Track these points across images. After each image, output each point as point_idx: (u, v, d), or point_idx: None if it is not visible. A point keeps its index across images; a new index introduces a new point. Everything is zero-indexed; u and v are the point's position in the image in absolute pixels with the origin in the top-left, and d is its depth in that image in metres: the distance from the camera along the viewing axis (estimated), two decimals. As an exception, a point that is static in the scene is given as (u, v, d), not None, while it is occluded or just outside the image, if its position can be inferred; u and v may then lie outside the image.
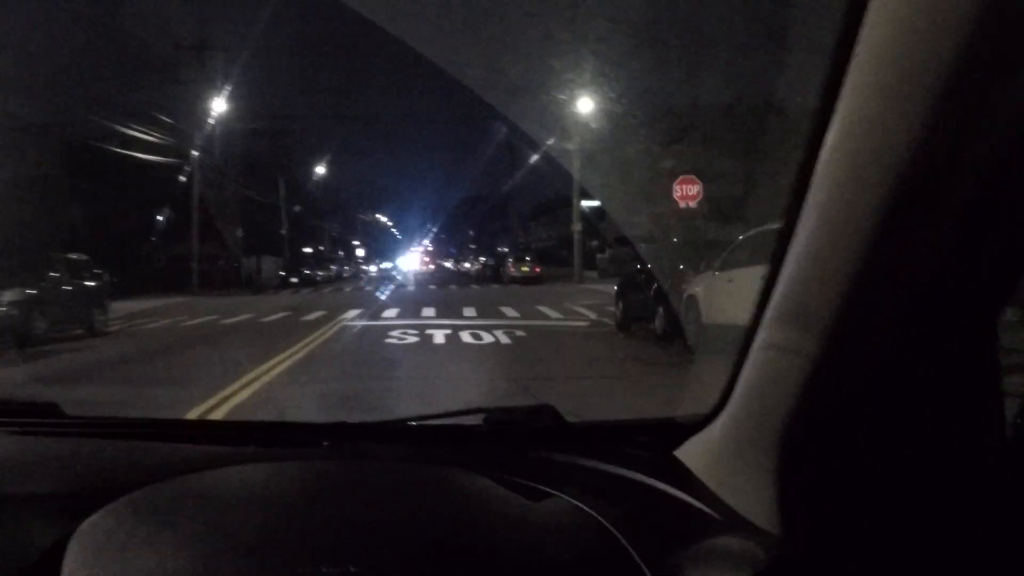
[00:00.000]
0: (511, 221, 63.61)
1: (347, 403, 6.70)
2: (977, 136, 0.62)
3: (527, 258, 35.18)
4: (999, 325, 0.76)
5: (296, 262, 42.32)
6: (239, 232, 35.79)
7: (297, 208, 49.86)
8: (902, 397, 0.77)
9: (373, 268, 69.86)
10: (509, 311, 17.09)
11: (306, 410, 6.45)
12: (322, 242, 63.26)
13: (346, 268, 56.69)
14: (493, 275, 38.30)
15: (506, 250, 43.43)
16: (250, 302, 24.02)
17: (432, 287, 33.13)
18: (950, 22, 0.59)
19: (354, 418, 1.38)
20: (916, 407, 0.77)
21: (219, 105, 32.87)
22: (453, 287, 32.48)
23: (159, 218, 32.26)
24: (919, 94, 0.62)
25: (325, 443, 1.32)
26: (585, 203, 31.82)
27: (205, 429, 1.80)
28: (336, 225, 72.77)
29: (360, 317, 16.44)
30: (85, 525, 0.99)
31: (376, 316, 16.53)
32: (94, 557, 0.94)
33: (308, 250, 58.17)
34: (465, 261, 61.91)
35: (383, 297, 25.20)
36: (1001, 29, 0.58)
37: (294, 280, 39.41)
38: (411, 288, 33.36)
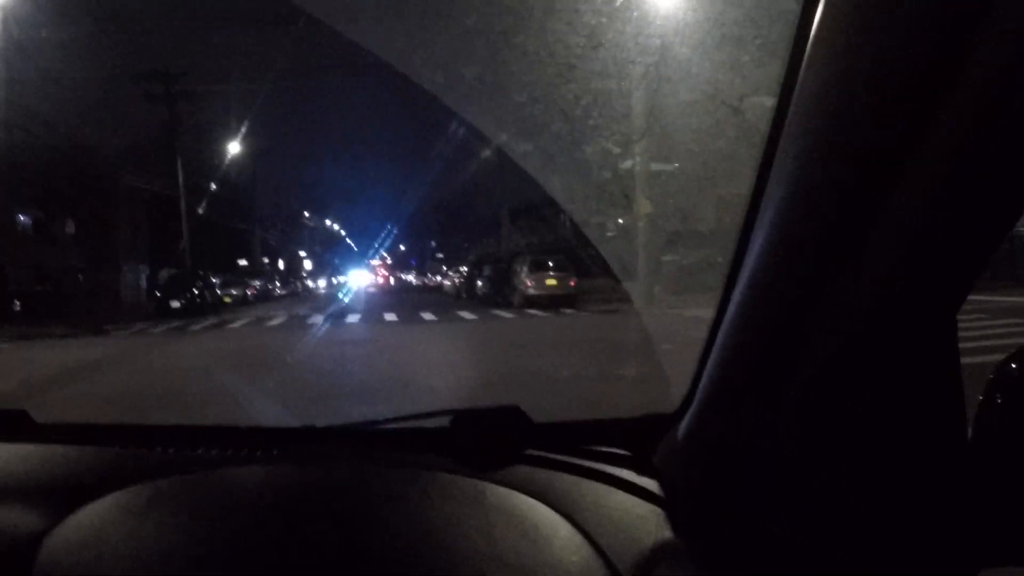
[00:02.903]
0: (498, 225, 49.95)
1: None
2: (934, 128, 0.63)
3: (550, 264, 20.77)
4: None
5: (184, 277, 27.40)
6: (69, 227, 21.61)
7: (205, 202, 35.30)
8: (864, 393, 0.78)
9: (322, 284, 56.02)
10: None
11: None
12: (254, 251, 49.61)
13: (277, 284, 41.79)
14: (493, 293, 23.36)
15: (486, 255, 28.23)
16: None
17: (392, 318, 18.42)
18: (900, 19, 0.62)
19: (321, 423, 1.36)
20: (878, 404, 0.78)
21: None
22: (429, 318, 18.01)
23: None
24: (875, 88, 0.65)
25: (292, 447, 1.34)
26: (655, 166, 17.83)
27: (173, 433, 1.60)
28: (276, 232, 58.64)
29: None
30: (56, 528, 1.05)
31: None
32: (64, 560, 1.00)
33: (244, 263, 45.17)
34: (435, 273, 47.64)
35: (268, 366, 10.98)
36: (953, 24, 0.60)
37: (176, 304, 24.97)
38: (353, 321, 18.68)
